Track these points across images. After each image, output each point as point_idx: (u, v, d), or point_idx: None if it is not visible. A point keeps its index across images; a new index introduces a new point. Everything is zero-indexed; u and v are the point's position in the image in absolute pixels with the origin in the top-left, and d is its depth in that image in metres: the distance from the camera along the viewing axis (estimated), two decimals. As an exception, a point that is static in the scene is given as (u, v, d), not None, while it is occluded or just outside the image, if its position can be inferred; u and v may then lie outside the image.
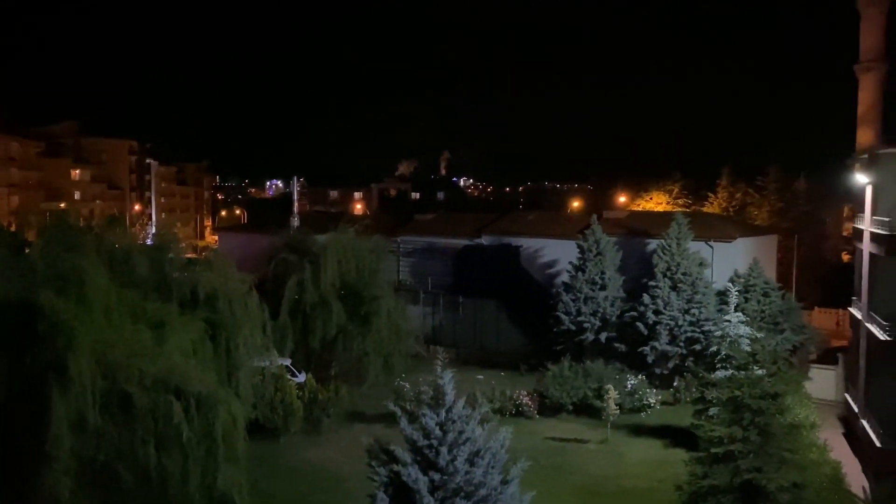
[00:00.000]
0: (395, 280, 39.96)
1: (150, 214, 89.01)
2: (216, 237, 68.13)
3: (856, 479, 21.13)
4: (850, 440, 26.86)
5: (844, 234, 57.01)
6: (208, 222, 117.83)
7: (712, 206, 61.78)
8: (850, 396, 29.10)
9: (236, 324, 21.07)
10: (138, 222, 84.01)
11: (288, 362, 29.02)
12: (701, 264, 33.56)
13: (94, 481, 15.21)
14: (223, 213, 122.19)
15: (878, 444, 23.77)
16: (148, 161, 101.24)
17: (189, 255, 30.16)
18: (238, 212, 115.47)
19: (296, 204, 50.46)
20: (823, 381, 31.87)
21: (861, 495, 5.66)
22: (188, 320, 19.21)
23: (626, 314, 33.51)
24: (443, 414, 12.69)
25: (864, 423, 25.64)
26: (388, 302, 31.83)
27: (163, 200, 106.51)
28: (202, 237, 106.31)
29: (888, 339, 24.17)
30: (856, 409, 27.43)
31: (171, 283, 21.41)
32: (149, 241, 29.09)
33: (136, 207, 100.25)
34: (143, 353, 16.34)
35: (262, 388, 24.43)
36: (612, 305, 34.10)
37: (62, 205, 73.97)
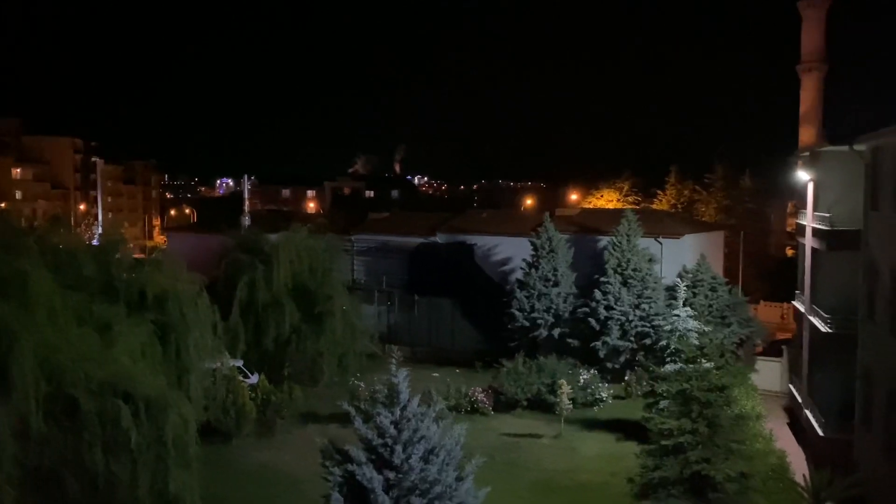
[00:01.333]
0: (350, 279, 39.71)
1: (96, 214, 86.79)
2: (165, 237, 66.74)
3: (801, 468, 21.79)
4: (794, 430, 27.67)
5: (788, 229, 58.77)
6: (157, 222, 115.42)
7: (661, 204, 63.05)
8: (794, 387, 29.98)
9: (186, 325, 20.65)
10: (84, 222, 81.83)
11: (240, 363, 28.62)
12: (650, 260, 34.19)
13: (38, 489, 14.78)
14: (172, 212, 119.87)
15: (820, 432, 24.53)
16: (93, 159, 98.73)
17: (137, 256, 29.51)
18: (188, 211, 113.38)
19: (247, 203, 49.73)
20: (769, 373, 32.78)
21: (802, 483, 5.88)
22: (136, 322, 18.78)
23: (579, 310, 33.96)
24: (397, 412, 12.71)
25: (808, 412, 26.43)
26: (343, 301, 31.64)
27: (109, 200, 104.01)
28: (151, 237, 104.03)
29: (830, 331, 24.94)
30: (800, 400, 28.27)
31: (118, 284, 20.87)
32: (95, 242, 28.36)
33: (82, 207, 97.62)
34: (90, 356, 15.90)
35: (213, 390, 24.01)
36: (564, 302, 34.52)
37: (3, 205, 71.64)
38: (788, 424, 28.45)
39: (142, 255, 30.93)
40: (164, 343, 19.74)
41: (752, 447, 19.24)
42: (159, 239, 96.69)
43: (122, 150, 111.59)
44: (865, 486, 20.80)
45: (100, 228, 78.73)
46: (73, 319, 16.86)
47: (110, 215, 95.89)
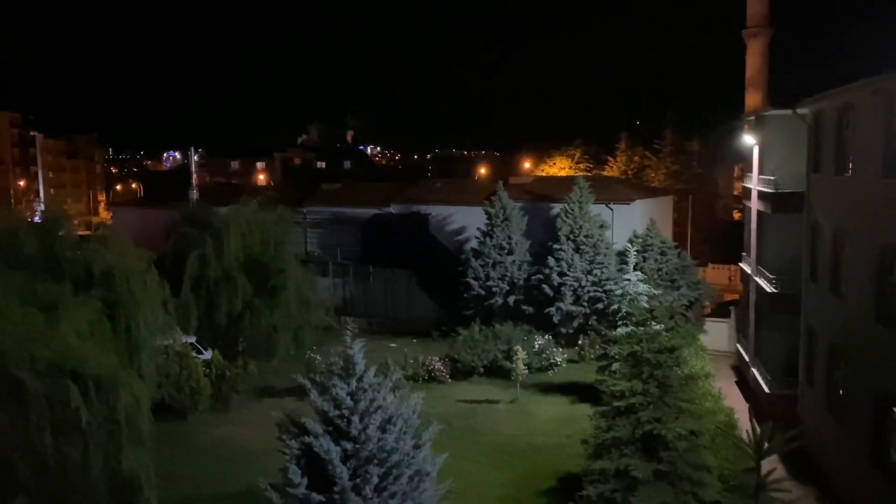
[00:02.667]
0: (303, 252, 39.37)
1: (38, 190, 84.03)
2: (111, 213, 65.01)
3: (748, 425, 22.46)
4: (742, 388, 28.56)
5: (735, 193, 60.02)
6: (102, 197, 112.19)
7: (612, 170, 63.76)
8: (742, 347, 30.88)
9: (136, 302, 20.22)
10: (24, 199, 79.19)
11: (193, 339, 28.21)
12: (602, 226, 34.62)
13: (-15, 474, 14.43)
14: (118, 187, 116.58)
15: (766, 389, 25.39)
16: (32, 134, 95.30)
17: (82, 233, 28.68)
18: (134, 185, 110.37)
19: (194, 176, 48.51)
20: (717, 334, 33.69)
21: (746, 439, 6.11)
22: (83, 301, 18.29)
23: (533, 277, 34.30)
24: (353, 383, 12.71)
25: (754, 370, 27.30)
26: (296, 274, 31.30)
27: (51, 175, 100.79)
28: (96, 213, 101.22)
29: (775, 291, 25.68)
30: (746, 359, 29.16)
31: (62, 262, 20.29)
32: (37, 219, 27.43)
33: (21, 183, 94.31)
34: (35, 336, 15.46)
35: (166, 367, 23.68)
36: (519, 269, 34.80)
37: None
38: (736, 383, 29.33)
39: (87, 232, 30.09)
40: (113, 321, 19.32)
41: (702, 406, 19.79)
42: (105, 215, 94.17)
43: (61, 124, 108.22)
44: (805, 438, 21.66)
45: (42, 205, 76.34)
46: (15, 299, 16.34)
47: (52, 191, 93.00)
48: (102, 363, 16.14)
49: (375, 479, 12.05)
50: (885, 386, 15.91)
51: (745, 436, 6.32)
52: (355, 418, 12.39)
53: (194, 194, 42.58)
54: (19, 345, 14.96)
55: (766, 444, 6.44)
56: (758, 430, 6.84)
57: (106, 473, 15.40)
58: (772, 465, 6.48)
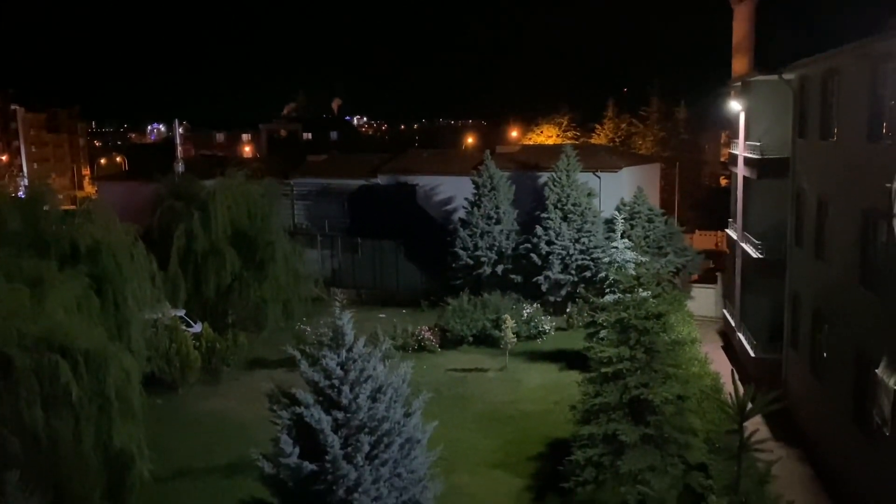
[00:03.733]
0: (291, 224, 39.20)
1: (21, 165, 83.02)
2: (96, 187, 64.41)
3: (733, 388, 22.88)
4: (728, 352, 28.93)
5: (722, 159, 60.14)
6: (87, 171, 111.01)
7: (599, 138, 63.57)
8: (728, 312, 31.19)
9: (123, 277, 20.18)
10: (7, 174, 78.30)
11: (182, 313, 28.22)
12: (589, 194, 34.66)
13: (-23, 450, 14.46)
14: (102, 161, 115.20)
15: (752, 354, 25.72)
16: (13, 107, 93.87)
17: (67, 208, 28.47)
18: (118, 159, 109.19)
19: (179, 149, 48.01)
20: (704, 300, 34.01)
21: (730, 401, 6.27)
22: (70, 276, 18.23)
23: (521, 246, 34.39)
24: (343, 354, 12.77)
25: (740, 335, 27.62)
26: (284, 247, 31.29)
27: (33, 150, 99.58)
28: (81, 187, 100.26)
29: (760, 257, 25.89)
30: (732, 324, 29.47)
31: (47, 237, 20.19)
32: (21, 195, 27.20)
33: (3, 158, 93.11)
34: (22, 312, 15.42)
35: (156, 340, 23.71)
36: (507, 239, 34.87)
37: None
38: (723, 347, 29.70)
39: (72, 207, 29.86)
40: (100, 295, 19.30)
41: (688, 371, 20.06)
42: (90, 189, 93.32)
43: (42, 97, 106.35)
44: (788, 399, 22.04)
45: (25, 180, 75.40)
46: (0, 275, 16.27)
47: (35, 166, 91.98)
48: (91, 338, 16.14)
49: (366, 448, 12.17)
50: (867, 348, 16.16)
51: (729, 399, 6.47)
52: (345, 388, 12.47)
53: (179, 167, 42.22)
54: (6, 321, 14.93)
55: (749, 406, 6.57)
56: (741, 391, 6.96)
57: (98, 447, 15.48)
58: (756, 426, 6.64)
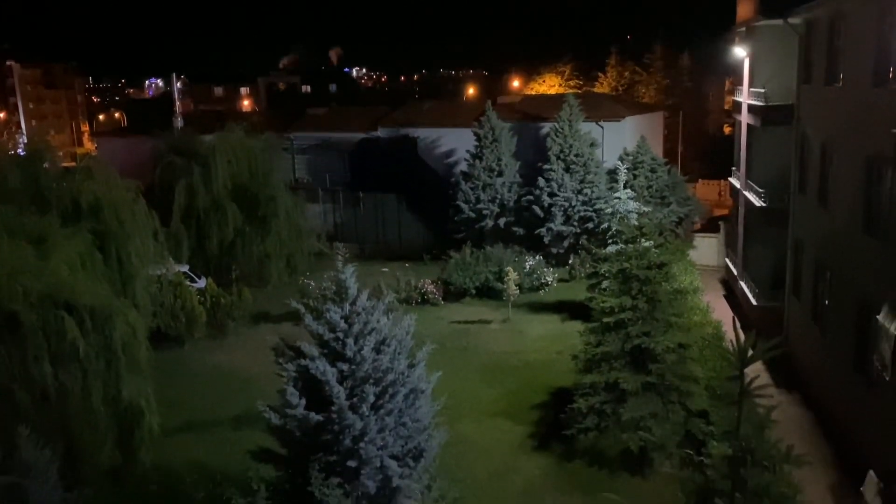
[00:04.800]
0: (291, 178, 39.06)
1: (19, 122, 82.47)
2: (95, 143, 64.06)
3: (734, 337, 23.03)
4: (729, 301, 29.05)
5: (726, 107, 59.46)
6: (85, 127, 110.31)
7: (602, 87, 62.83)
8: (730, 261, 31.24)
9: (126, 233, 20.18)
10: (5, 131, 77.88)
11: (186, 269, 28.34)
12: (592, 145, 34.39)
13: (-13, 405, 14.69)
14: (101, 116, 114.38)
15: (753, 302, 25.83)
16: (8, 63, 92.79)
17: (67, 164, 28.32)
18: (117, 115, 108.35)
19: (178, 103, 47.64)
20: (706, 249, 34.02)
21: (731, 348, 6.34)
22: (72, 232, 18.21)
23: (523, 199, 34.28)
24: (347, 307, 12.85)
25: (742, 284, 27.70)
26: (286, 201, 31.24)
27: (31, 106, 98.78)
28: (80, 144, 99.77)
29: (763, 205, 25.79)
30: (735, 272, 29.53)
31: (49, 194, 20.12)
32: (20, 151, 27.07)
33: (1, 115, 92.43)
34: (26, 269, 15.47)
35: (160, 296, 23.85)
36: (509, 191, 34.74)
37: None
38: (724, 296, 29.81)
39: (72, 163, 29.73)
40: (103, 252, 19.32)
41: (690, 319, 20.17)
42: (89, 145, 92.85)
43: (38, 52, 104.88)
44: (789, 345, 22.22)
45: (24, 137, 74.97)
46: (3, 233, 16.28)
47: (34, 123, 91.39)
48: (96, 294, 16.23)
49: (372, 398, 12.33)
50: (868, 295, 16.21)
51: (730, 346, 6.52)
52: (350, 341, 12.58)
53: (179, 122, 41.95)
54: (11, 278, 15.00)
55: (749, 352, 6.62)
56: (742, 338, 7.01)
57: (107, 402, 15.70)
58: (757, 373, 6.72)
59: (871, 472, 13.83)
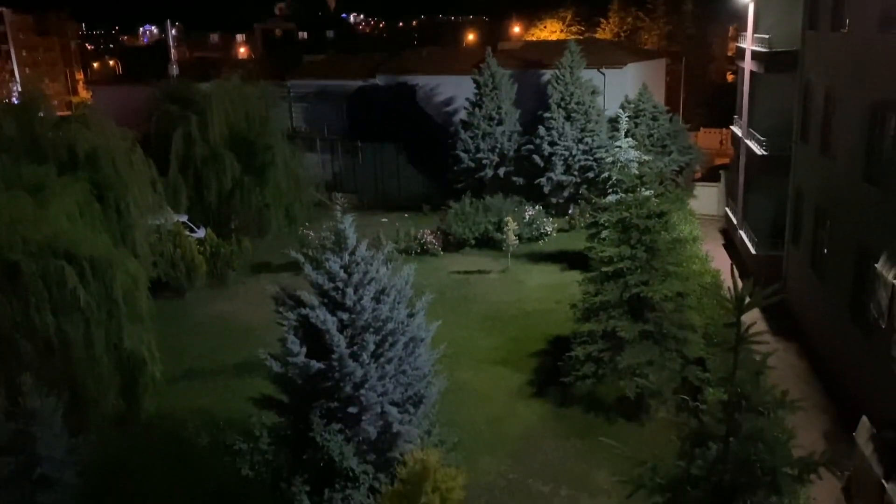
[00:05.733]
0: (289, 127, 38.66)
1: (12, 70, 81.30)
2: (90, 92, 63.30)
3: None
4: (729, 250, 29.11)
5: (729, 54, 58.56)
6: (80, 76, 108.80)
7: (604, 33, 61.73)
8: (730, 210, 31.18)
9: (123, 183, 20.08)
10: (-1, 80, 76.83)
11: (185, 219, 28.29)
12: (593, 92, 33.96)
13: (-10, 353, 14.83)
14: (95, 65, 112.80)
15: (753, 251, 25.88)
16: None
17: (62, 114, 28.00)
18: (112, 63, 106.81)
19: (173, 51, 46.86)
20: (707, 198, 33.92)
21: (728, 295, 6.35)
22: (70, 182, 18.13)
23: (523, 148, 34.02)
24: (346, 257, 12.86)
25: (742, 233, 27.71)
26: (284, 151, 30.99)
27: (24, 54, 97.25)
28: (75, 92, 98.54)
29: (765, 153, 25.62)
30: (734, 221, 29.51)
31: (44, 143, 19.95)
32: (14, 101, 26.75)
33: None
34: (25, 219, 15.46)
35: (160, 246, 23.87)
36: (509, 140, 34.45)
37: None
38: (724, 245, 29.85)
39: (67, 113, 29.44)
40: (101, 202, 19.26)
41: (689, 268, 20.23)
42: (84, 94, 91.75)
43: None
44: (787, 294, 22.34)
45: (18, 86, 73.98)
46: (0, 182, 16.21)
47: (27, 71, 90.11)
48: (95, 244, 16.25)
49: (372, 347, 12.45)
50: (867, 243, 16.22)
51: (728, 294, 6.56)
52: (349, 290, 12.63)
53: (174, 70, 41.36)
54: (10, 227, 14.99)
55: (746, 299, 6.65)
56: (739, 285, 7.04)
57: (109, 350, 15.87)
58: (754, 321, 6.78)
59: (865, 418, 14.04)
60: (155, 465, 15.93)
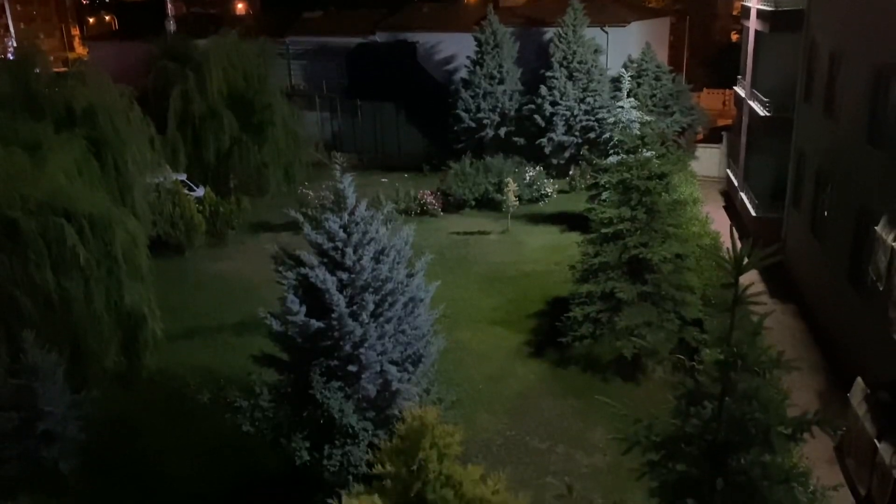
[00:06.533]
0: (287, 85, 38.23)
1: (7, 25, 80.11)
2: (87, 48, 62.45)
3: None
4: (729, 212, 29.07)
5: (734, 13, 57.68)
6: (76, 31, 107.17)
7: (608, -10, 60.67)
8: (731, 172, 31.05)
9: (122, 140, 19.87)
10: (-6, 35, 75.76)
11: (183, 177, 28.16)
12: (596, 51, 33.55)
13: (-10, 309, 14.88)
14: (91, 20, 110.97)
15: (753, 213, 25.85)
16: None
17: (59, 70, 27.65)
18: (108, 18, 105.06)
19: (170, 6, 46.17)
20: (708, 160, 33.76)
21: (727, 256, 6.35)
22: (67, 139, 17.94)
23: (525, 107, 33.72)
24: (346, 217, 12.83)
25: (742, 195, 27.64)
26: (282, 109, 30.71)
27: (19, 9, 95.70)
28: (71, 48, 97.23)
29: (767, 114, 25.41)
30: (735, 183, 29.41)
31: (41, 100, 19.67)
32: (10, 56, 26.39)
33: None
34: (23, 176, 15.37)
35: (159, 204, 23.80)
36: (510, 100, 34.13)
37: None
38: (724, 207, 29.81)
39: (63, 69, 29.07)
40: (99, 160, 19.06)
41: (688, 230, 20.22)
42: (81, 50, 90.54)
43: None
44: (786, 256, 22.38)
45: (13, 41, 73.02)
46: (-4, 139, 16.09)
47: (22, 26, 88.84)
48: (94, 202, 16.18)
49: (371, 306, 12.49)
50: (868, 206, 16.19)
51: (726, 254, 6.56)
52: (349, 250, 12.62)
53: (171, 26, 40.73)
54: (7, 185, 14.92)
55: (745, 260, 6.66)
56: (738, 245, 7.04)
57: (109, 308, 15.91)
58: (752, 282, 6.79)
59: (859, 379, 14.18)
60: (157, 422, 16.14)
